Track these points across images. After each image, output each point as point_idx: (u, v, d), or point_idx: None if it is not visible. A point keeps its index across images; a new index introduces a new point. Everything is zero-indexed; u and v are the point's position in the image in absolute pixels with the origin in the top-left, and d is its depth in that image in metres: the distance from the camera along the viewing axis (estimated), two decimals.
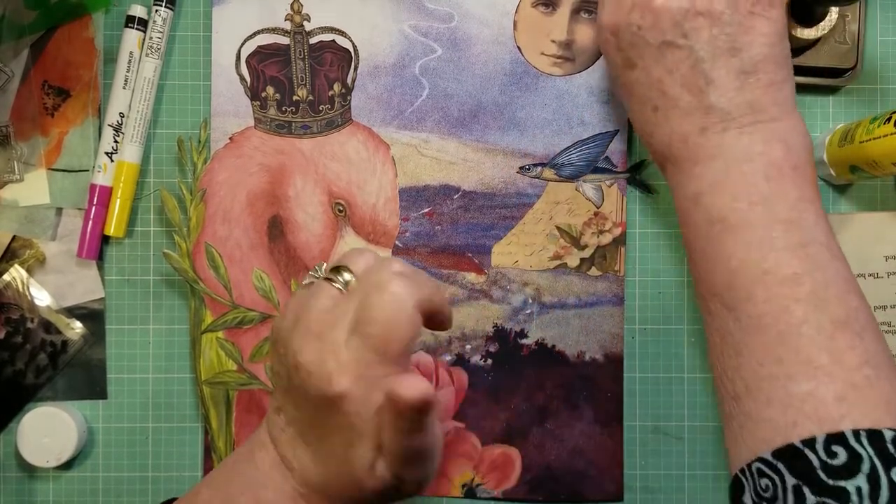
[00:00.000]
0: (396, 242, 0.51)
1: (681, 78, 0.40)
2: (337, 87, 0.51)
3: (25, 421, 0.49)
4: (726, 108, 0.39)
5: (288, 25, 0.51)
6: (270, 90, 0.51)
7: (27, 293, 0.51)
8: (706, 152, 0.40)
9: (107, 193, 0.50)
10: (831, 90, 0.52)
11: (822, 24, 0.48)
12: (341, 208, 0.51)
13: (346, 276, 0.37)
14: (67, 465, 0.51)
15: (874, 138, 0.45)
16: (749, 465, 0.36)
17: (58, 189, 0.50)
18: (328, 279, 0.37)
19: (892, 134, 0.44)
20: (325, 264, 0.39)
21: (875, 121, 0.46)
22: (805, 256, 0.38)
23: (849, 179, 0.50)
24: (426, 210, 0.51)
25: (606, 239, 0.52)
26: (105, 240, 0.51)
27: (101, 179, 0.50)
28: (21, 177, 0.50)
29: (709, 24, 0.39)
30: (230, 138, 0.51)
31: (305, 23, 0.51)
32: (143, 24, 0.50)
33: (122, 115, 0.50)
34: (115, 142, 0.50)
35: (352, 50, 0.51)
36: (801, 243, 0.38)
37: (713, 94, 0.39)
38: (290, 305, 0.38)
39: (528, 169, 0.51)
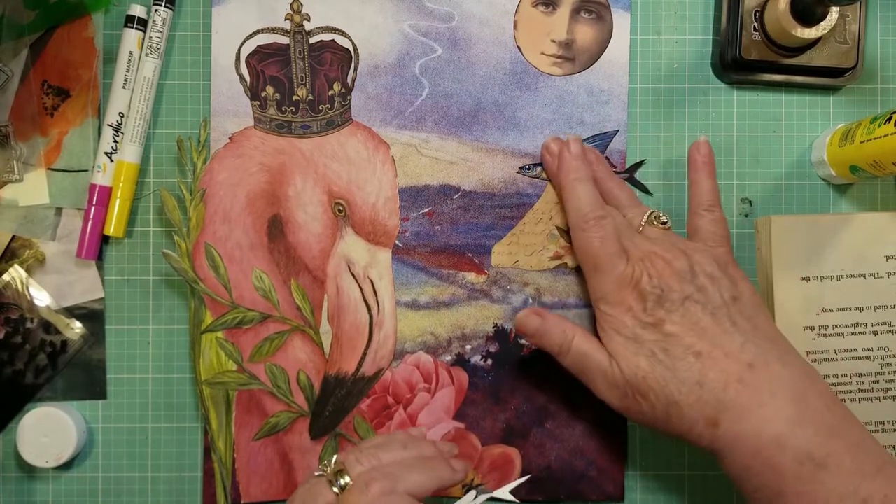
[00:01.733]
0: (396, 242, 0.51)
1: (710, 327, 0.43)
2: (337, 86, 0.51)
3: (25, 421, 0.49)
4: (756, 343, 0.42)
5: (288, 25, 0.51)
6: (270, 90, 0.51)
7: (27, 293, 0.50)
8: (764, 388, 0.41)
9: (106, 193, 0.50)
10: (831, 90, 0.52)
11: (822, 23, 0.48)
12: (341, 208, 0.51)
13: (344, 480, 0.41)
14: (67, 466, 0.51)
15: (874, 138, 0.45)
16: None
17: (57, 189, 0.50)
18: (330, 481, 0.41)
19: (892, 134, 0.44)
20: (336, 458, 0.43)
21: (875, 120, 0.46)
22: (887, 478, 0.39)
23: (849, 179, 0.50)
24: (426, 210, 0.51)
25: None
26: (105, 240, 0.51)
27: (101, 179, 0.50)
28: (20, 177, 0.50)
29: (710, 281, 0.44)
30: (230, 138, 0.51)
31: (305, 22, 0.51)
32: (142, 23, 0.50)
33: (121, 114, 0.50)
34: (115, 141, 0.50)
35: (352, 49, 0.51)
36: (878, 466, 0.39)
37: (741, 334, 0.42)
38: (295, 498, 0.42)
39: (528, 169, 0.51)
